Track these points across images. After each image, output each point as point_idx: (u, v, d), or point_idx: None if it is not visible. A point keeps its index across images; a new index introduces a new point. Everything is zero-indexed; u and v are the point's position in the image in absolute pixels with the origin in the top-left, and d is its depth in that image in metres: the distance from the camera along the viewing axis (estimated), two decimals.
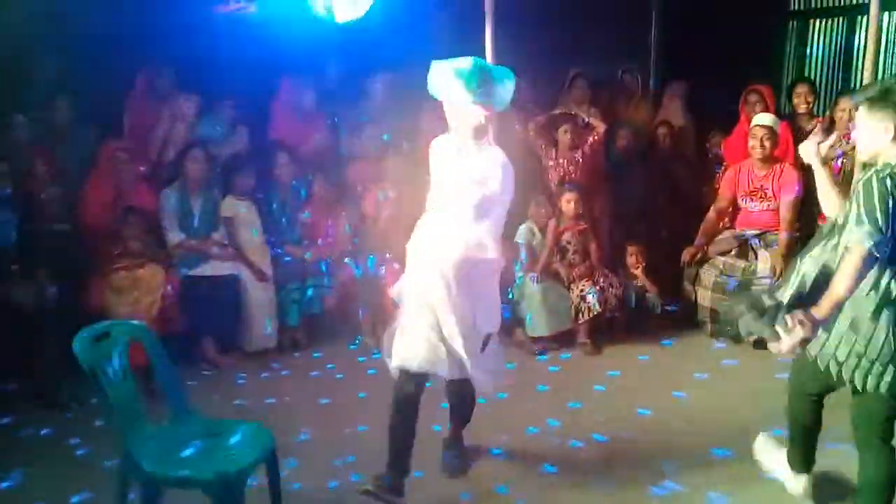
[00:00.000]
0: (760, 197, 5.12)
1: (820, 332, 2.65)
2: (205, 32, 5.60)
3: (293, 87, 5.77)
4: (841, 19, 6.97)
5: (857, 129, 2.82)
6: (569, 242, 5.27)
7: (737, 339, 4.84)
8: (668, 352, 5.08)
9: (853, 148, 5.09)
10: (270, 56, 5.63)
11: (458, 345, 3.10)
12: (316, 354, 5.14)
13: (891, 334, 2.59)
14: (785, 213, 5.03)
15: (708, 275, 5.15)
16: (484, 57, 4.78)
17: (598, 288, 5.07)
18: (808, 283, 2.68)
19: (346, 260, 5.34)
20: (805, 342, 2.66)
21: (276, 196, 5.35)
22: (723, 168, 5.64)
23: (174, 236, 5.00)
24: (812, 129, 5.42)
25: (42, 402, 4.26)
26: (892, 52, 6.45)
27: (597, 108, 5.88)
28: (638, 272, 5.37)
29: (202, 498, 2.67)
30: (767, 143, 5.04)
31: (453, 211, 3.10)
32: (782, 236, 4.98)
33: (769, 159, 5.09)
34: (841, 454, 3.20)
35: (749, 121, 5.29)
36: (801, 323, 2.56)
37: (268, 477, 2.91)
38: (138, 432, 2.80)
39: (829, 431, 3.10)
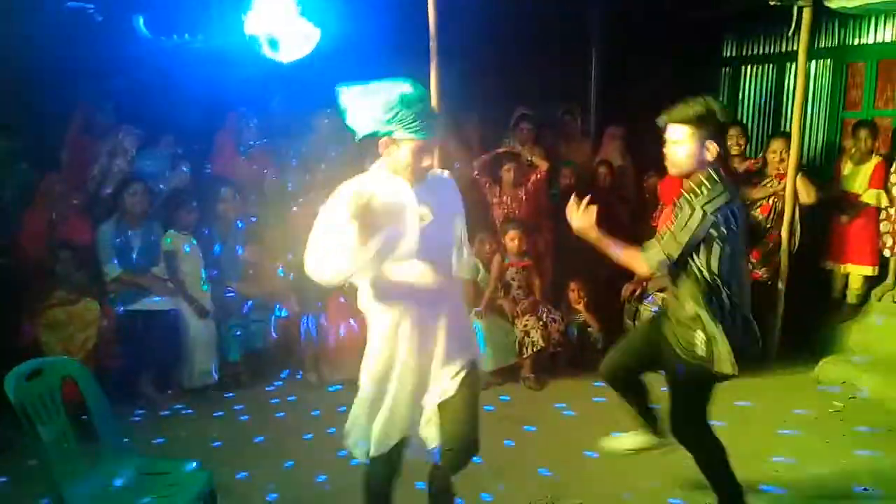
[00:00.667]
0: None
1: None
2: (147, 67, 5.56)
3: (237, 121, 5.76)
4: (771, 66, 7.27)
5: (676, 147, 3.01)
6: (513, 278, 5.34)
7: None
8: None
9: (783, 188, 5.31)
10: (214, 91, 5.61)
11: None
12: (257, 390, 5.06)
13: None
14: None
15: (647, 310, 5.25)
16: (429, 95, 4.88)
17: (541, 323, 5.12)
18: None
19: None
20: None
21: (219, 231, 5.30)
22: (660, 206, 5.79)
23: (111, 270, 4.90)
24: (743, 170, 5.64)
25: None
26: (819, 97, 6.75)
27: (540, 148, 6.01)
28: (580, 307, 5.45)
29: None
30: None
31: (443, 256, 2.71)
32: None
33: None
34: None
35: None
36: None
37: None
38: (71, 473, 2.71)
39: None
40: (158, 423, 4.52)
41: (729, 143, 5.77)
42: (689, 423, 3.18)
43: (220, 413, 4.74)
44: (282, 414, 4.72)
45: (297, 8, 4.88)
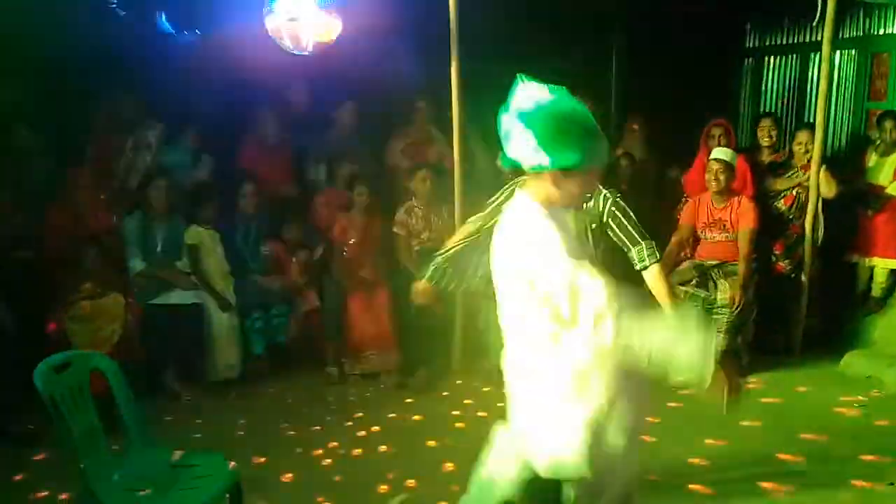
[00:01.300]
0: (719, 228, 5.22)
1: None
2: (171, 60, 5.59)
3: (262, 117, 5.78)
4: (794, 56, 7.19)
5: None
6: None
7: None
8: None
9: (808, 179, 5.26)
10: (236, 85, 5.63)
11: None
12: (280, 384, 5.09)
13: None
14: (742, 244, 5.12)
15: None
16: (449, 88, 4.87)
17: None
18: None
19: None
20: None
21: (241, 225, 5.33)
22: (683, 199, 5.74)
23: (136, 264, 4.95)
24: (768, 163, 5.59)
25: None
26: (843, 88, 6.67)
27: None
28: None
29: None
30: (722, 178, 5.13)
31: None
32: (741, 267, 5.07)
33: (726, 192, 5.19)
34: None
35: (708, 154, 5.40)
36: None
37: None
38: (98, 464, 2.74)
39: None
40: (182, 416, 4.56)
41: (760, 135, 5.70)
42: None
43: (244, 406, 4.78)
44: (303, 407, 4.75)
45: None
